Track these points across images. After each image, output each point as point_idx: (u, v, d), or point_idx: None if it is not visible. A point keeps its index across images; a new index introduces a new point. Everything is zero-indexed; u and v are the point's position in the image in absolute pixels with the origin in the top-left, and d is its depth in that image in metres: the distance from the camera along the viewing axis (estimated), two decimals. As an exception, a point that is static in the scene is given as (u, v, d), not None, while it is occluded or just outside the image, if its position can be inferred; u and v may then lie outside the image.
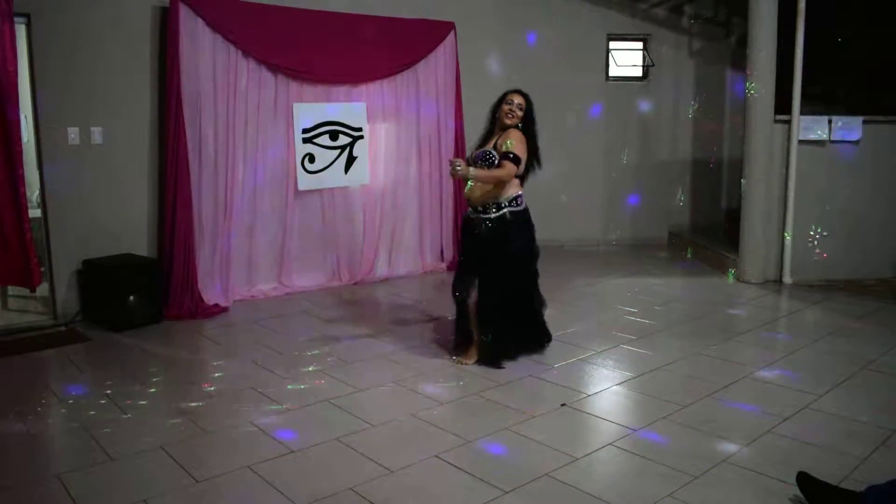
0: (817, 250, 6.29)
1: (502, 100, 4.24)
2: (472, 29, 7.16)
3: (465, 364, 4.27)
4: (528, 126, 4.22)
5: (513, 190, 4.15)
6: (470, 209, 4.24)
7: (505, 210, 4.12)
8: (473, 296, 4.18)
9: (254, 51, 5.60)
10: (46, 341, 4.74)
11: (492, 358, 4.25)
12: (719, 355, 4.44)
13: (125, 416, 3.54)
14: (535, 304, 4.44)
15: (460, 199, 7.06)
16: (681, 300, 5.86)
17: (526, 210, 4.25)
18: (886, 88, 6.31)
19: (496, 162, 4.06)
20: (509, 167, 4.05)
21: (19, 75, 4.62)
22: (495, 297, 4.15)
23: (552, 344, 4.56)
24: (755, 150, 6.22)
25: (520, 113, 4.18)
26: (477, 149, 4.29)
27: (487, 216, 4.12)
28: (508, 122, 4.16)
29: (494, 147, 4.13)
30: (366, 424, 3.45)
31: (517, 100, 4.19)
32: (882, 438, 3.26)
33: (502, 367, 4.21)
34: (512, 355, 4.34)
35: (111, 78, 5.18)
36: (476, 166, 4.05)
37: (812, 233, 6.29)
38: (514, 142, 4.09)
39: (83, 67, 5.05)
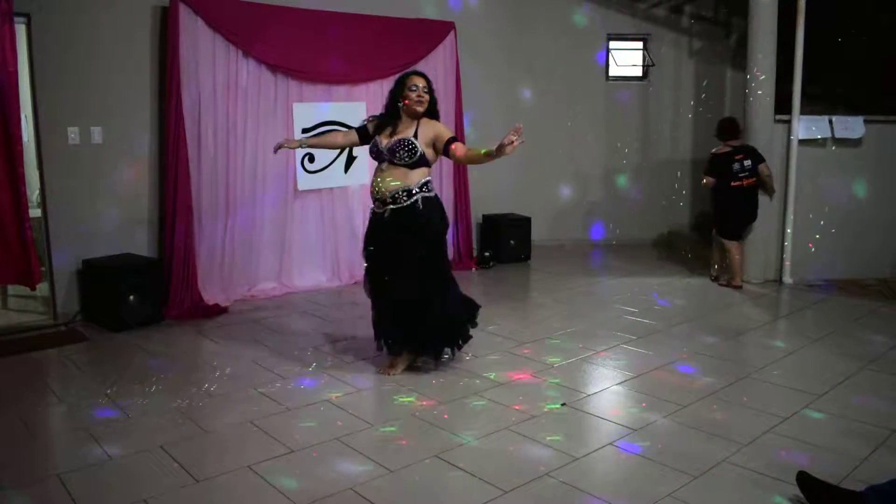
0: (815, 249, 6.30)
1: (404, 85, 3.98)
2: (473, 29, 7.16)
3: (393, 374, 4.08)
4: (435, 109, 4.04)
5: (422, 176, 3.92)
6: (376, 203, 3.95)
7: (417, 196, 3.88)
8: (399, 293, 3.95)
9: (254, 51, 5.60)
10: (46, 341, 4.73)
11: (443, 346, 4.14)
12: (719, 355, 4.44)
13: (125, 416, 3.54)
14: (452, 300, 4.13)
15: (460, 197, 7.07)
16: (681, 300, 5.86)
17: (437, 196, 4.04)
18: (887, 88, 6.30)
19: (418, 153, 3.86)
20: (464, 148, 3.92)
21: (19, 75, 4.61)
22: (428, 286, 3.94)
23: (552, 343, 4.56)
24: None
25: (427, 96, 3.97)
26: (375, 135, 4.05)
27: (399, 205, 3.88)
28: (420, 108, 3.94)
29: (416, 136, 3.88)
30: (366, 424, 3.45)
31: (421, 83, 3.96)
32: (882, 438, 3.26)
33: (445, 358, 4.19)
34: (461, 342, 4.19)
35: (111, 78, 5.18)
36: (396, 157, 3.84)
37: (812, 232, 6.29)
38: (445, 129, 3.95)
39: (83, 67, 5.05)
